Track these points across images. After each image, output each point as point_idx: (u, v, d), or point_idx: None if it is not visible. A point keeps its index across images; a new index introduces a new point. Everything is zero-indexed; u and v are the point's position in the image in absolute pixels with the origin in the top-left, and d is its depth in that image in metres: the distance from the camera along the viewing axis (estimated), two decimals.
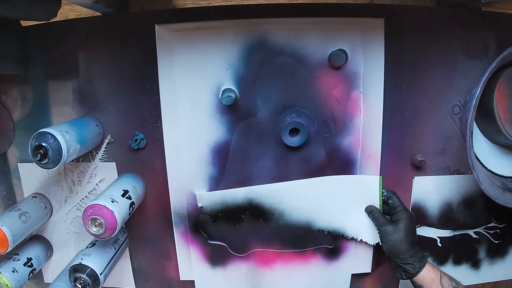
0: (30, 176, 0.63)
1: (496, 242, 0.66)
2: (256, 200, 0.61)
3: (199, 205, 0.62)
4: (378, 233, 0.56)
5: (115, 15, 0.63)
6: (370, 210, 0.59)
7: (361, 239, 0.62)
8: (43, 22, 0.58)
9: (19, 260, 0.59)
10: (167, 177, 0.61)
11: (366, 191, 0.59)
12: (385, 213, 0.58)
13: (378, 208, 0.59)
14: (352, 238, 0.62)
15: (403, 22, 0.57)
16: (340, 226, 0.62)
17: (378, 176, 0.58)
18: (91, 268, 0.52)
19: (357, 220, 0.61)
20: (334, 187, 0.59)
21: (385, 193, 0.58)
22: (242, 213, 0.62)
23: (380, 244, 0.57)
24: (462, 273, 0.66)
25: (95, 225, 0.49)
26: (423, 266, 0.53)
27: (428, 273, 0.53)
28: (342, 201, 0.60)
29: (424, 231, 0.64)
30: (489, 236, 0.66)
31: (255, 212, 0.62)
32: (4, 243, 0.53)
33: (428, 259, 0.55)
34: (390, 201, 0.57)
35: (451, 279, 0.53)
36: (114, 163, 0.62)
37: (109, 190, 0.54)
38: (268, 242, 0.64)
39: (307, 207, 0.61)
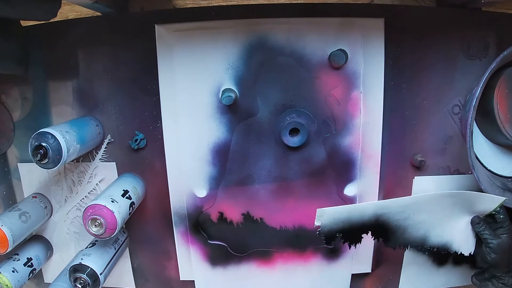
0: (30, 176, 0.63)
1: None
2: (384, 217, 0.53)
3: (317, 224, 0.53)
4: (486, 245, 0.53)
5: (115, 15, 0.63)
6: (477, 222, 0.55)
7: (460, 252, 0.56)
8: (43, 22, 0.58)
9: (19, 260, 0.59)
10: (167, 177, 0.61)
11: (480, 208, 0.54)
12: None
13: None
14: (455, 252, 0.56)
15: (403, 22, 0.57)
16: (448, 240, 0.56)
17: (503, 198, 0.52)
18: (91, 268, 0.52)
19: (460, 233, 0.56)
20: (455, 202, 0.54)
21: (498, 208, 0.54)
22: (364, 233, 0.55)
23: (473, 254, 0.56)
24: (462, 273, 0.66)
25: (95, 225, 0.49)
26: None
27: None
28: (457, 216, 0.55)
29: None
30: None
31: (378, 231, 0.55)
32: (4, 243, 0.53)
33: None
34: (501, 216, 0.54)
35: None
36: (114, 163, 0.62)
37: (109, 190, 0.54)
38: (268, 242, 0.64)
39: (428, 221, 0.55)
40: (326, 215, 0.53)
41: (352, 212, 0.53)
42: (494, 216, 0.55)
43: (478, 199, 0.53)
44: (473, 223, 0.56)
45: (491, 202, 0.53)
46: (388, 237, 0.55)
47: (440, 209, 0.54)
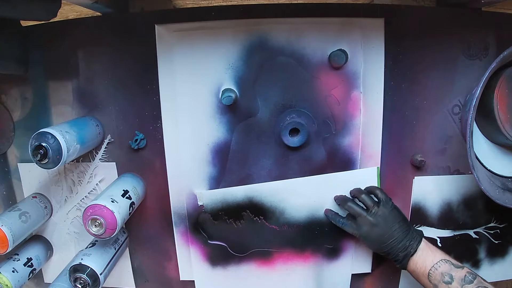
0: (30, 176, 0.63)
1: (496, 242, 0.66)
2: (256, 199, 0.61)
3: (200, 203, 0.62)
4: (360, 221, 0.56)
5: (115, 15, 0.63)
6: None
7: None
8: (43, 22, 0.58)
9: (19, 260, 0.59)
10: (167, 177, 0.61)
11: (365, 184, 0.59)
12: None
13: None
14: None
15: (403, 22, 0.57)
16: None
17: (376, 167, 0.59)
18: (91, 268, 0.52)
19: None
20: (334, 184, 0.60)
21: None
22: (243, 211, 0.62)
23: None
24: None
25: (95, 225, 0.49)
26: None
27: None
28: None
29: (424, 231, 0.64)
30: (489, 236, 0.65)
31: (256, 211, 0.62)
32: (4, 243, 0.53)
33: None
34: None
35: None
36: (114, 163, 0.62)
37: (109, 190, 0.54)
38: (268, 242, 0.64)
39: (308, 205, 0.61)
40: (205, 197, 0.62)
41: (226, 194, 0.61)
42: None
43: (357, 176, 0.60)
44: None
45: (369, 174, 0.59)
46: (268, 216, 0.62)
47: (320, 193, 0.61)
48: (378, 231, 0.54)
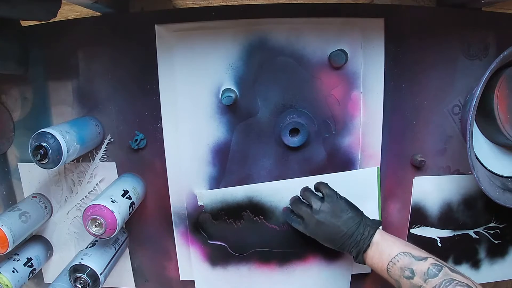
0: (30, 176, 0.63)
1: (496, 242, 0.66)
2: (256, 198, 0.61)
3: (199, 203, 0.62)
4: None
5: (115, 15, 0.63)
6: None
7: None
8: (43, 22, 0.58)
9: (19, 260, 0.59)
10: (167, 177, 0.61)
11: (365, 184, 0.59)
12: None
13: (378, 202, 0.59)
14: None
15: (403, 22, 0.57)
16: None
17: (376, 167, 0.59)
18: (91, 268, 0.52)
19: None
20: (334, 184, 0.59)
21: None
22: (243, 211, 0.62)
23: None
24: (462, 273, 0.66)
25: (95, 225, 0.49)
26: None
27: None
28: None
29: (424, 231, 0.64)
30: (489, 236, 0.66)
31: (256, 210, 0.62)
32: (4, 243, 0.53)
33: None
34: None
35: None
36: (114, 163, 0.62)
37: (109, 190, 0.54)
38: (268, 242, 0.64)
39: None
40: (205, 197, 0.61)
41: (225, 194, 0.61)
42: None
43: (357, 176, 0.59)
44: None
45: (369, 174, 0.59)
46: (268, 215, 0.62)
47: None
48: (325, 228, 0.51)
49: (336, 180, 0.59)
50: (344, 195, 0.56)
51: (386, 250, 0.48)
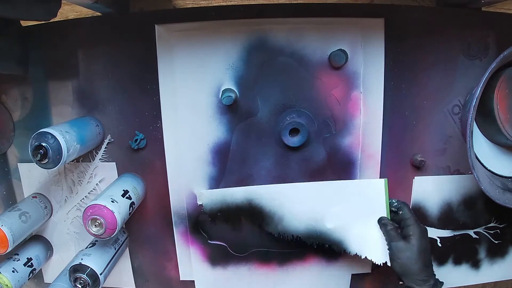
0: (30, 176, 0.63)
1: (496, 242, 0.66)
2: (255, 201, 0.60)
3: (199, 203, 0.62)
4: (388, 249, 0.51)
5: (115, 15, 0.63)
6: (383, 222, 0.53)
7: (365, 257, 0.56)
8: (43, 22, 0.58)
9: (19, 260, 0.59)
10: (167, 177, 0.61)
11: (371, 197, 0.55)
12: (394, 222, 0.54)
13: (387, 217, 0.54)
14: (356, 255, 0.57)
15: (403, 22, 0.57)
16: (343, 239, 0.58)
17: (384, 179, 0.55)
18: (91, 268, 0.52)
19: (361, 233, 0.56)
20: (338, 192, 0.56)
21: (395, 203, 0.54)
22: (241, 215, 0.61)
23: (387, 263, 0.53)
24: (462, 273, 0.66)
25: (95, 225, 0.49)
26: None
27: None
28: (346, 209, 0.56)
29: None
30: (489, 236, 0.65)
31: (254, 215, 0.60)
32: (4, 243, 0.53)
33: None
34: (401, 212, 0.53)
35: None
36: (114, 163, 0.62)
37: (109, 190, 0.54)
38: (268, 242, 0.63)
39: (309, 213, 0.58)
40: (205, 196, 0.61)
41: (225, 194, 0.60)
42: (397, 212, 0.53)
43: (362, 186, 0.56)
44: (379, 222, 0.54)
45: (376, 186, 0.55)
46: (267, 221, 0.60)
47: (322, 202, 0.57)
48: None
49: (341, 189, 0.57)
50: (349, 207, 0.55)
51: None
